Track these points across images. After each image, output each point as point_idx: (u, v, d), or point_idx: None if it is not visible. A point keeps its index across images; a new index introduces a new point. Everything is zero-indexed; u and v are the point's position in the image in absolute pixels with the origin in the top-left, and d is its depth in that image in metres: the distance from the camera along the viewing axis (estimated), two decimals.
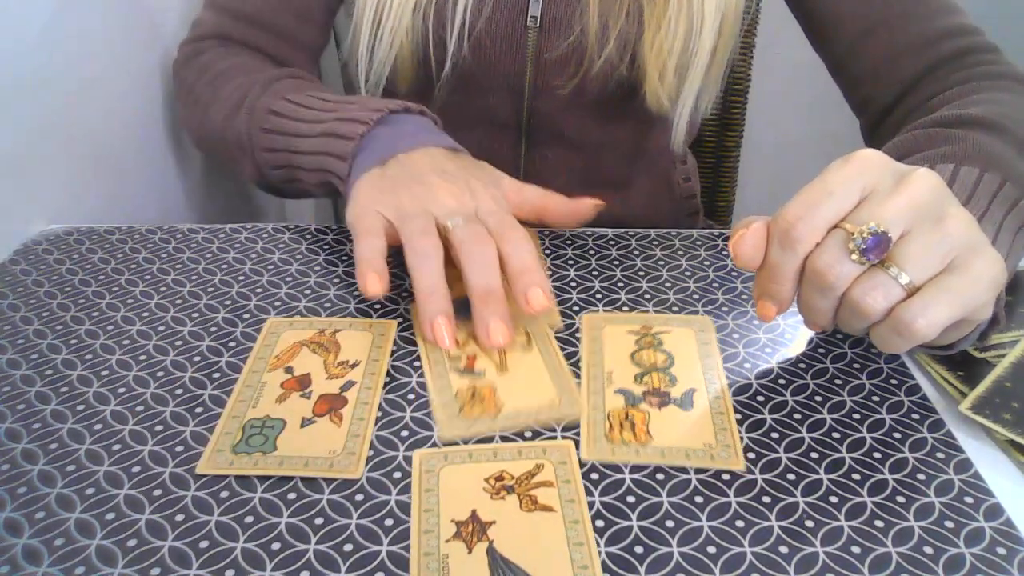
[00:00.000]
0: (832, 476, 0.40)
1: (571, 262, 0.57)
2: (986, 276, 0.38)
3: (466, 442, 0.41)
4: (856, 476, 0.40)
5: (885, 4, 0.63)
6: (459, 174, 0.52)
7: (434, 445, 0.41)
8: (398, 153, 0.54)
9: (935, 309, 0.37)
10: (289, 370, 0.46)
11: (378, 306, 0.52)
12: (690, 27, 0.64)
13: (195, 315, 0.52)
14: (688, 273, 0.56)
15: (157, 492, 0.39)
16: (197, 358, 0.48)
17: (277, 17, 0.71)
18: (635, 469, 0.40)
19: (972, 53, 0.62)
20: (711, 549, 0.36)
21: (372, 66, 0.68)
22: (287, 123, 0.59)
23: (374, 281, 0.47)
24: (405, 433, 0.42)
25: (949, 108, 0.56)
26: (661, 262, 0.57)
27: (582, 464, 0.40)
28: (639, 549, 0.36)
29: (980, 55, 0.62)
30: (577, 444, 0.41)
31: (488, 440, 0.42)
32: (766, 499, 0.38)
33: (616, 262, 0.57)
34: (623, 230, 0.61)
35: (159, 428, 0.43)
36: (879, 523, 0.37)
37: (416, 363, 0.47)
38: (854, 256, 0.38)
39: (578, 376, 0.46)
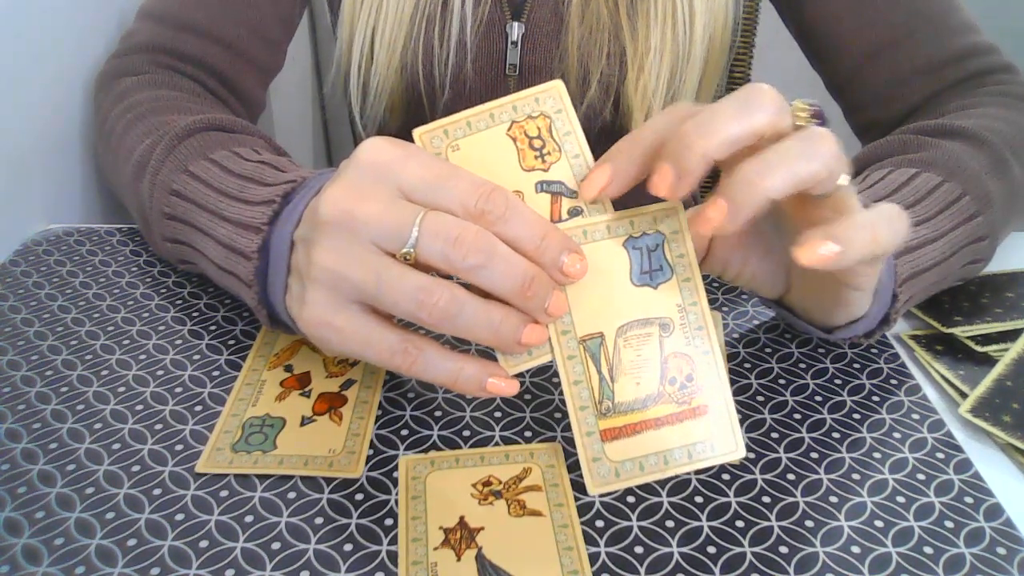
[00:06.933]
0: (832, 476, 0.40)
1: None
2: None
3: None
4: (856, 476, 0.40)
5: (892, 25, 0.60)
6: (354, 177, 0.36)
7: (433, 446, 0.41)
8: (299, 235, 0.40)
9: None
10: (289, 368, 0.46)
11: None
12: (676, 60, 0.61)
13: (195, 314, 0.52)
14: None
15: (157, 491, 0.39)
16: (196, 356, 0.48)
17: (227, 28, 0.64)
18: None
19: (983, 75, 0.59)
20: (711, 549, 0.36)
21: (365, 107, 0.66)
22: (188, 209, 0.48)
23: (499, 384, 0.37)
24: (405, 432, 0.42)
25: (939, 119, 0.54)
26: None
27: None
28: (639, 549, 0.36)
29: (992, 76, 0.59)
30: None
31: (477, 444, 0.42)
32: (766, 499, 0.38)
33: None
34: None
35: (159, 427, 0.43)
36: (879, 523, 0.37)
37: None
38: (802, 114, 0.34)
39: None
